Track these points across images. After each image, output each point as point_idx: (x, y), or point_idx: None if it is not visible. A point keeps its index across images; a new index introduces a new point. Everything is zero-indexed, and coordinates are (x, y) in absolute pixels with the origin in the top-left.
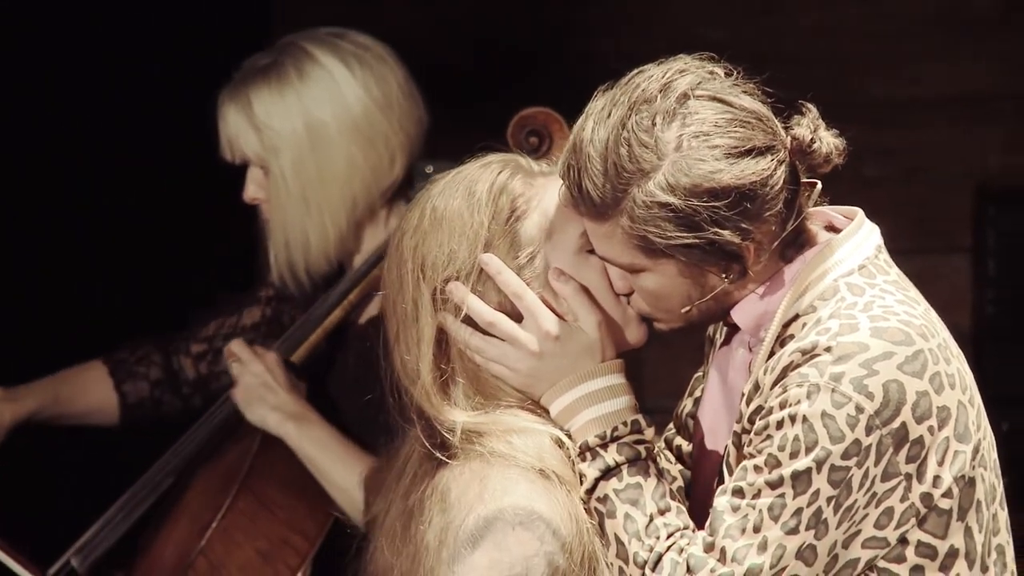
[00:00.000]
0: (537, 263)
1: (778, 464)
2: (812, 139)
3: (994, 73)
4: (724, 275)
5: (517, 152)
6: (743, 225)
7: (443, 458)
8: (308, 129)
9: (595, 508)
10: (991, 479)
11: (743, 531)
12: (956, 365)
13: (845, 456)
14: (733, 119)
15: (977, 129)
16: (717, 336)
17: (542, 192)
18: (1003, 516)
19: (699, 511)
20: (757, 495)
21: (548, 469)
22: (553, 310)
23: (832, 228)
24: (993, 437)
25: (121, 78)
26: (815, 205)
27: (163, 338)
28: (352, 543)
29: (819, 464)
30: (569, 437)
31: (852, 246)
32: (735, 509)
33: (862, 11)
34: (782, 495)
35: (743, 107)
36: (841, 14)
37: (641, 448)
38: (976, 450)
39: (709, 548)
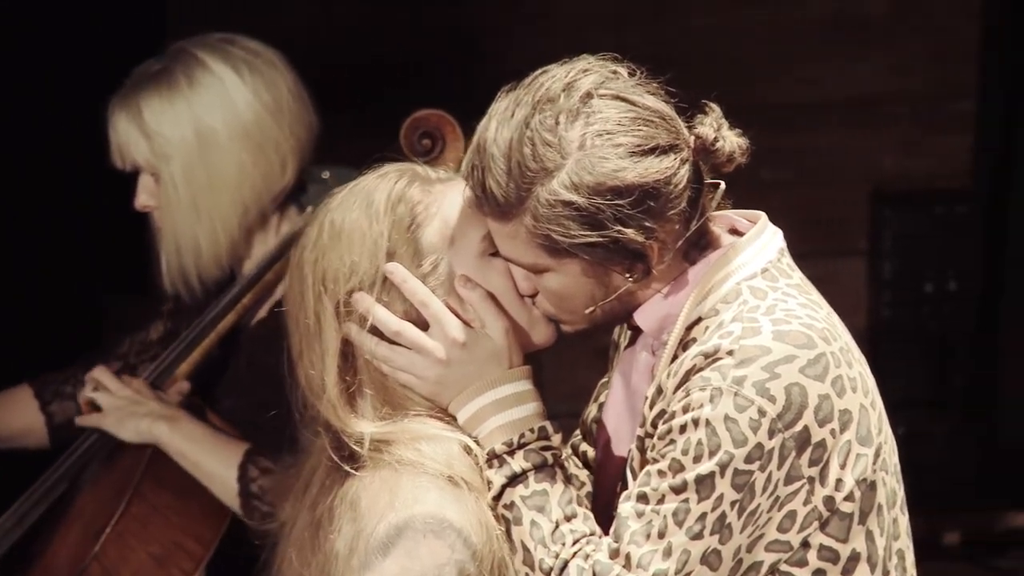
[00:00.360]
0: (441, 270)
1: (682, 468)
2: (715, 138)
3: (888, 76)
4: (628, 275)
5: (412, 157)
6: (647, 223)
7: (351, 470)
8: (198, 136)
9: (502, 515)
10: (892, 483)
11: (648, 537)
12: (858, 369)
13: (748, 460)
14: (636, 118)
15: (872, 132)
16: (621, 340)
17: (441, 199)
18: (903, 521)
19: (602, 515)
20: (661, 500)
21: (457, 476)
22: (459, 317)
23: (736, 232)
24: (894, 442)
25: (13, 83)
26: (719, 208)
27: (89, 358)
28: (258, 553)
29: (722, 468)
30: (478, 444)
31: (755, 250)
32: (639, 515)
33: (755, 14)
34: (686, 500)
35: (646, 106)
36: (734, 17)
37: (548, 455)
38: (877, 454)
39: (615, 554)
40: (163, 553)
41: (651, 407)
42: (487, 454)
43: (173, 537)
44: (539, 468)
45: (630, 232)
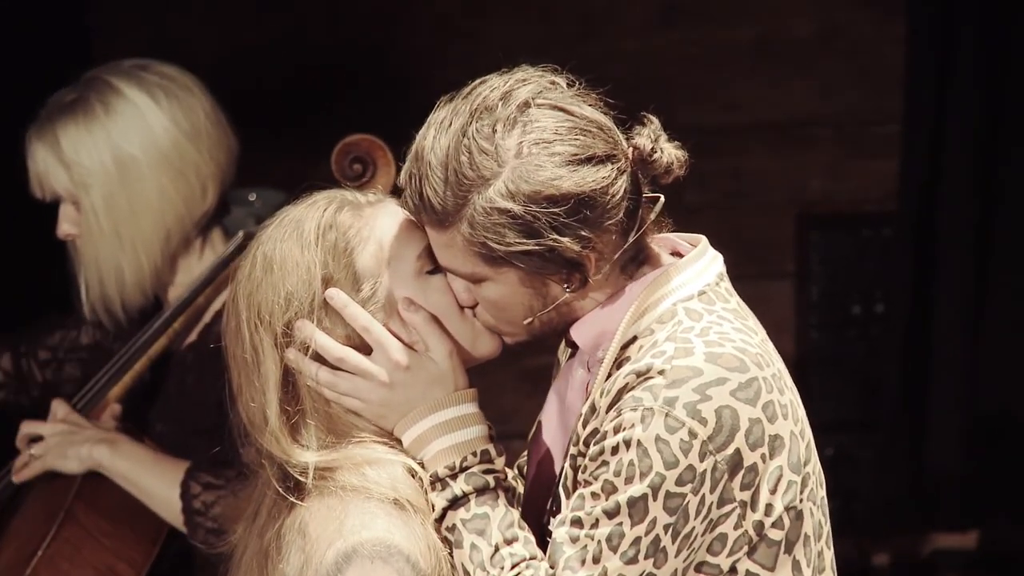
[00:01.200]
0: (379, 294)
1: (614, 490)
2: (653, 149)
3: (814, 99)
4: (565, 284)
5: (343, 182)
6: (583, 233)
7: (296, 501)
8: (117, 163)
9: (445, 537)
10: (818, 515)
11: (583, 562)
12: (789, 396)
13: (679, 482)
14: (574, 127)
15: (798, 154)
16: (562, 357)
17: (372, 222)
18: (828, 555)
19: (531, 530)
20: (595, 525)
21: (403, 499)
22: (402, 340)
23: (677, 254)
24: (822, 475)
25: None
26: (660, 229)
27: (12, 338)
28: None
29: (654, 490)
30: (422, 467)
31: (694, 272)
32: (574, 540)
33: (682, 37)
34: (620, 524)
35: (584, 116)
36: (660, 40)
37: (490, 478)
38: (804, 483)
39: None
40: None
41: (584, 425)
42: (431, 477)
43: (105, 561)
44: (480, 491)
45: (566, 241)
